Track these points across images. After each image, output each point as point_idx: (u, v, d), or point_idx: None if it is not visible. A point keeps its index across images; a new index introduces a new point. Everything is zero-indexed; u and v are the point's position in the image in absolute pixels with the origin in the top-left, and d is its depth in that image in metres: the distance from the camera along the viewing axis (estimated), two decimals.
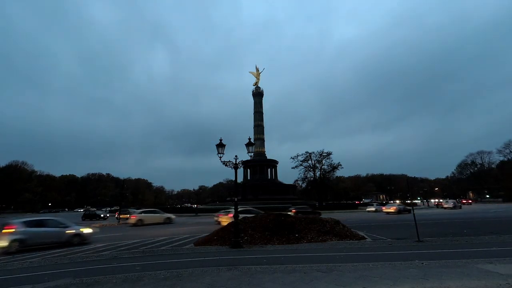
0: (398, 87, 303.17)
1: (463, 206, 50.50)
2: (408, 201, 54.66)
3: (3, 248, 11.92)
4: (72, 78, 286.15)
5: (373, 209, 42.18)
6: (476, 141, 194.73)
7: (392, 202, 55.56)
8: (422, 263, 7.10)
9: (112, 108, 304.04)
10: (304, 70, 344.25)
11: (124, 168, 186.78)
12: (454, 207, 44.11)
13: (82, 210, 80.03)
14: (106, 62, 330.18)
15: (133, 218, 24.91)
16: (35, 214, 68.35)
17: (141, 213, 26.59)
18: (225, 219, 20.19)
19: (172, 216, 27.95)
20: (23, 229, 12.79)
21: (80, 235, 14.27)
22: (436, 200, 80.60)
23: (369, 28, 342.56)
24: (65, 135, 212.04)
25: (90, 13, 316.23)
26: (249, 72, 69.88)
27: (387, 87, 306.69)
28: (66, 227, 14.13)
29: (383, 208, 38.90)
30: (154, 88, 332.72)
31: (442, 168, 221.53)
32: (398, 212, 34.74)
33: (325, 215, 20.62)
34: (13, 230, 12.63)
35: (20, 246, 12.30)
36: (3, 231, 12.41)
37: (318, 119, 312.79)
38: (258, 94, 65.81)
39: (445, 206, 46.41)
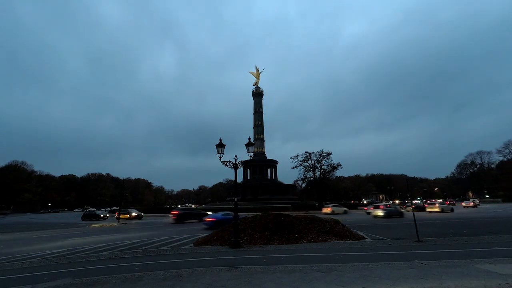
0: (405, 86, 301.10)
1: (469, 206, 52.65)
2: (407, 201, 55.15)
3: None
4: (78, 77, 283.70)
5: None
6: (479, 141, 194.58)
7: (468, 199, 65.24)
8: (422, 263, 7.10)
9: (117, 108, 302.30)
10: (311, 69, 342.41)
11: (124, 168, 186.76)
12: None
13: (81, 210, 79.95)
14: (113, 61, 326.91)
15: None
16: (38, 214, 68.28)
17: None
18: None
19: None
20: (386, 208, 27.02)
21: None
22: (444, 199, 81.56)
23: (380, 25, 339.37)
24: (68, 135, 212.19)
25: (98, 12, 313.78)
26: (249, 72, 69.66)
27: (394, 87, 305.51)
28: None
29: (462, 203, 47.69)
30: (160, 88, 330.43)
31: (442, 168, 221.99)
32: (474, 206, 42.86)
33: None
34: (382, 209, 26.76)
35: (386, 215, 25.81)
36: (378, 208, 27.08)
37: (323, 118, 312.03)
38: (258, 94, 65.68)
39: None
